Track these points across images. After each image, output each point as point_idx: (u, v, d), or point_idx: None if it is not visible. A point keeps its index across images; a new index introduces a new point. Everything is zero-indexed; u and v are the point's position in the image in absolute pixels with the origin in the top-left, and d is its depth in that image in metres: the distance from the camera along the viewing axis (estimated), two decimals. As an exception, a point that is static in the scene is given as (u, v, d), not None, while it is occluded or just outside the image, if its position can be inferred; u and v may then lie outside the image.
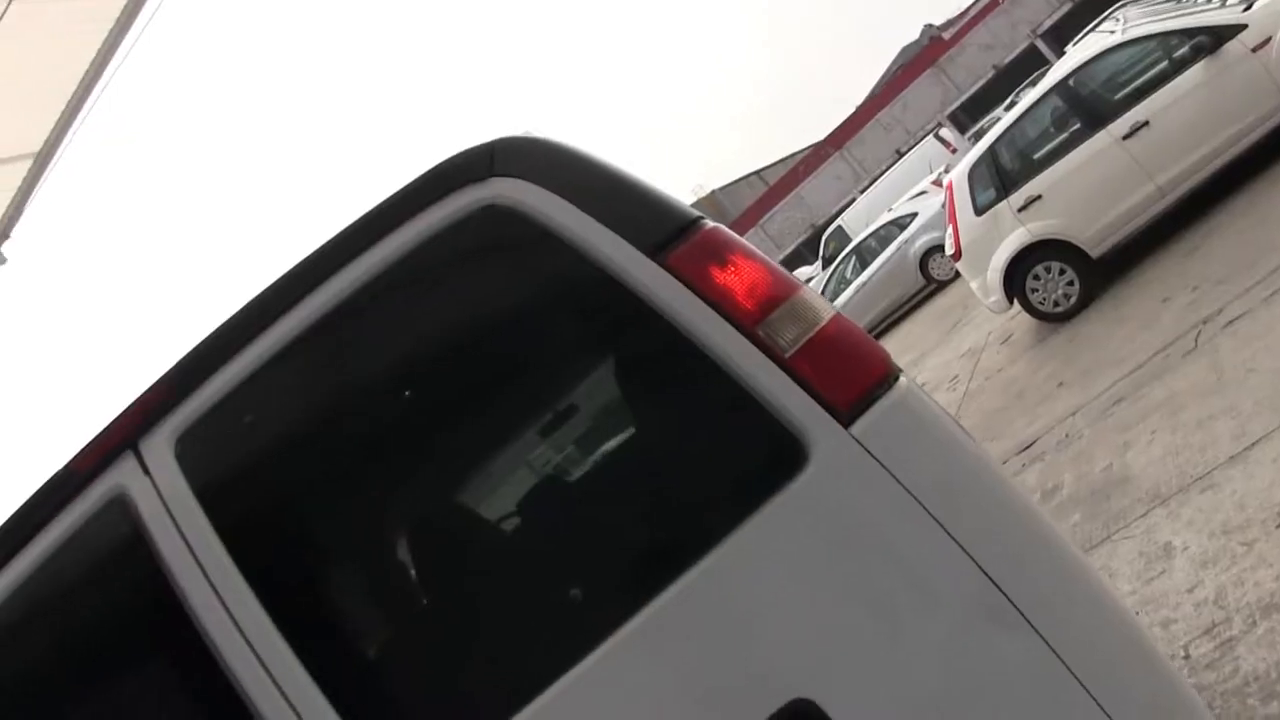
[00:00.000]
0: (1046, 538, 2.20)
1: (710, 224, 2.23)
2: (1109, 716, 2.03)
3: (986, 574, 2.06)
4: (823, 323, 2.15)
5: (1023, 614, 2.05)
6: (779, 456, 2.10)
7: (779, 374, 2.09)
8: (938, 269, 19.88)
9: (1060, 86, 10.76)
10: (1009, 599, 2.05)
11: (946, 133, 30.86)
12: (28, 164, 10.63)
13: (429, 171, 2.31)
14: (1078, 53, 11.59)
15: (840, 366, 2.13)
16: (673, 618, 2.07)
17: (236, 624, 2.14)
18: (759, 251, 2.25)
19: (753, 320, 2.11)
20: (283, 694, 2.10)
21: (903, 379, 2.20)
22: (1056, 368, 9.54)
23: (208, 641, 2.15)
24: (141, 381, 2.29)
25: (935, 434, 2.18)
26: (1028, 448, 8.03)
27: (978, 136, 24.60)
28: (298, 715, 2.09)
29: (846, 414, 2.09)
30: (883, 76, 51.44)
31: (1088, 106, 10.54)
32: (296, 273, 2.33)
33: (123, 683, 2.42)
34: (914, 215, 21.01)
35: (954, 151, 26.68)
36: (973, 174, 11.12)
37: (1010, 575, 2.07)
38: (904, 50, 52.10)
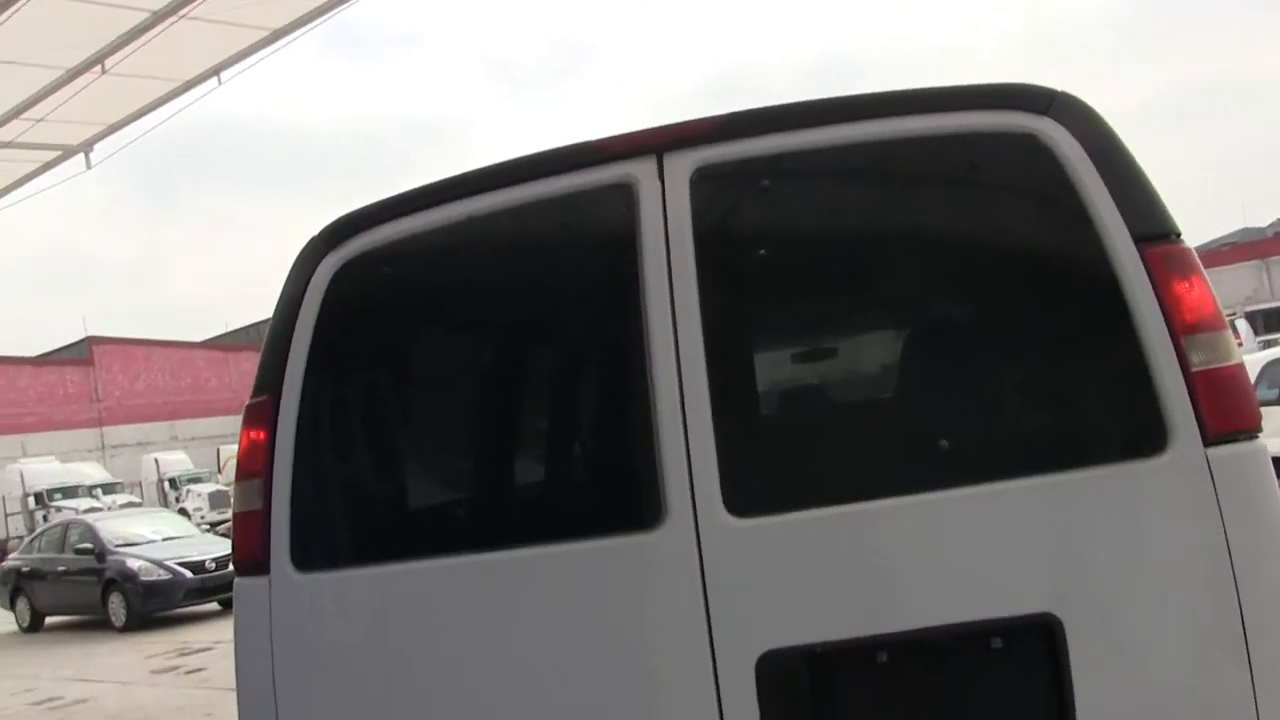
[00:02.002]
0: None
1: (1186, 244, 2.57)
2: None
3: (1244, 630, 2.35)
4: (1230, 363, 2.49)
5: (1253, 679, 2.34)
6: (1143, 438, 2.45)
7: (1179, 378, 2.43)
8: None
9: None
10: (1249, 659, 2.35)
11: (1242, 325, 29.70)
12: None
13: (995, 83, 2.70)
14: None
15: (1225, 400, 2.45)
16: (998, 503, 2.45)
17: (675, 332, 2.55)
18: (1211, 285, 2.58)
19: (1184, 330, 2.45)
20: (682, 405, 2.51)
21: (1262, 439, 2.49)
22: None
23: (644, 331, 2.57)
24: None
25: (1269, 497, 2.46)
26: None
27: (1269, 344, 23.75)
28: (686, 436, 2.50)
29: (1211, 436, 2.42)
30: (1207, 243, 49.37)
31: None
32: (845, 102, 2.72)
33: (555, 326, 2.91)
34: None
35: (1240, 345, 25.72)
36: (1269, 368, 11.05)
37: (1263, 643, 2.35)
38: (1242, 231, 49.83)
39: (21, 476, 42.19)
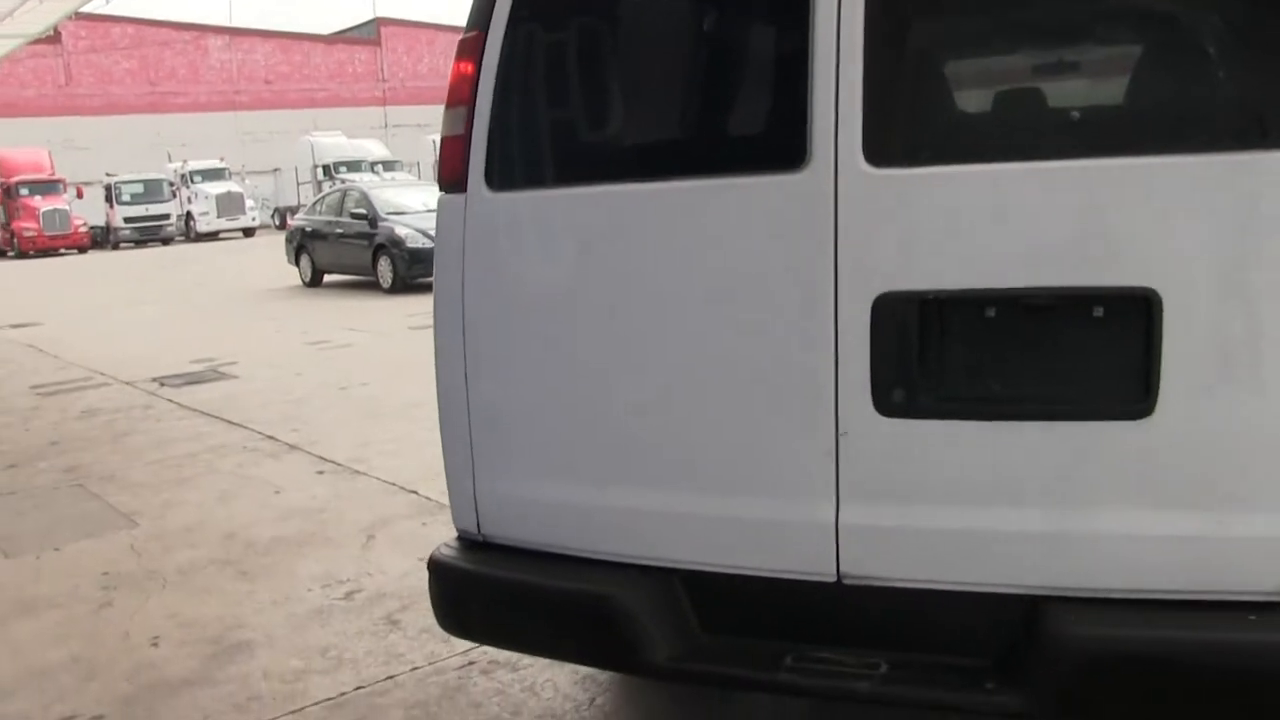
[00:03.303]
0: None
1: None
2: None
3: None
4: None
5: None
6: (1274, 130, 2.40)
7: None
8: None
9: None
10: None
11: None
12: None
13: None
14: None
15: None
16: (1122, 177, 2.49)
17: (838, 31, 2.64)
18: None
19: None
20: (837, 62, 2.63)
21: None
22: None
23: (809, 30, 2.68)
24: None
25: None
26: None
27: None
28: (836, 89, 2.63)
29: None
30: None
31: None
32: None
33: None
34: None
35: None
36: None
37: None
38: None
39: (312, 149, 45.74)
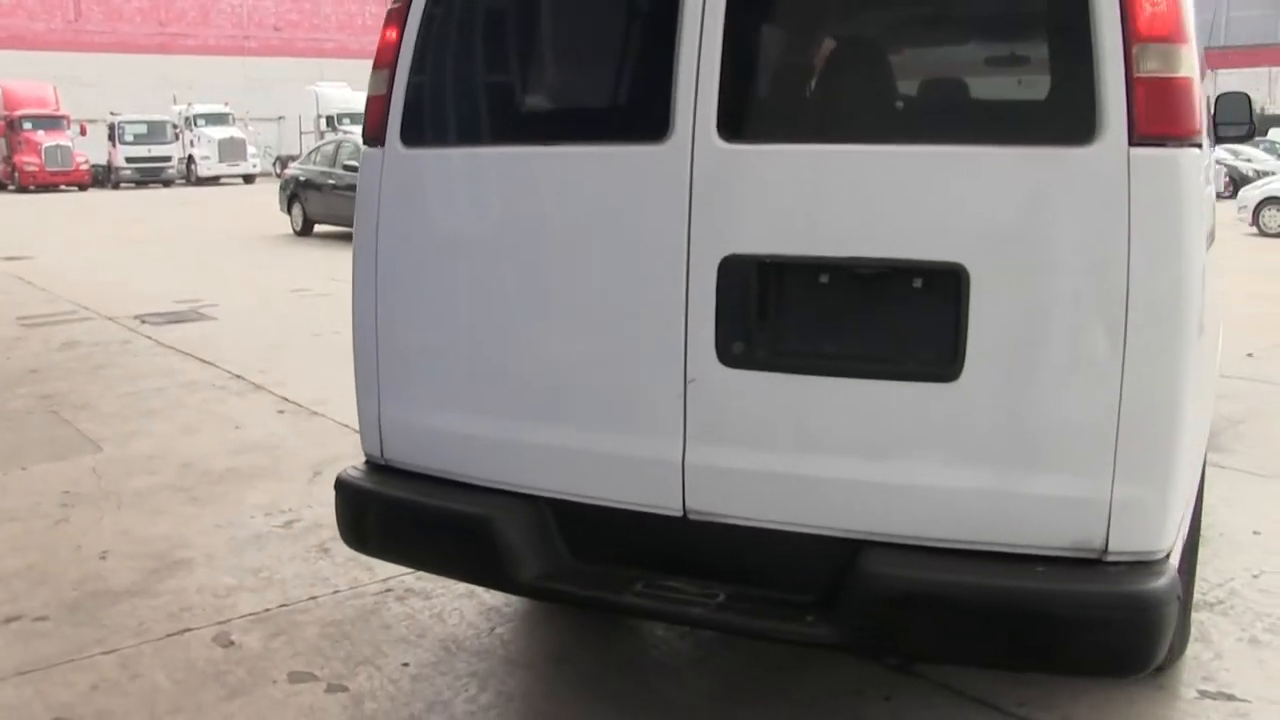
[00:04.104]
0: (1185, 340, 2.70)
1: None
2: (1117, 442, 2.71)
3: (1125, 329, 2.66)
4: (1179, 74, 2.67)
5: (1124, 354, 2.68)
6: (1074, 129, 2.71)
7: (1121, 81, 2.66)
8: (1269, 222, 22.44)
9: None
10: (1125, 338, 2.67)
11: None
12: None
13: None
14: None
15: (1162, 107, 2.65)
16: (938, 163, 2.86)
17: (702, 22, 3.00)
18: (1189, 7, 2.75)
19: (1136, 38, 2.65)
20: (699, 52, 3.00)
21: (1198, 151, 2.71)
22: None
23: (677, 20, 3.03)
24: None
25: (1179, 204, 2.67)
26: None
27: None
28: (697, 74, 3.00)
29: (1139, 136, 2.65)
30: None
31: None
32: None
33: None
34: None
35: None
36: None
37: (1141, 340, 2.67)
38: None
39: (317, 99, 45.87)
